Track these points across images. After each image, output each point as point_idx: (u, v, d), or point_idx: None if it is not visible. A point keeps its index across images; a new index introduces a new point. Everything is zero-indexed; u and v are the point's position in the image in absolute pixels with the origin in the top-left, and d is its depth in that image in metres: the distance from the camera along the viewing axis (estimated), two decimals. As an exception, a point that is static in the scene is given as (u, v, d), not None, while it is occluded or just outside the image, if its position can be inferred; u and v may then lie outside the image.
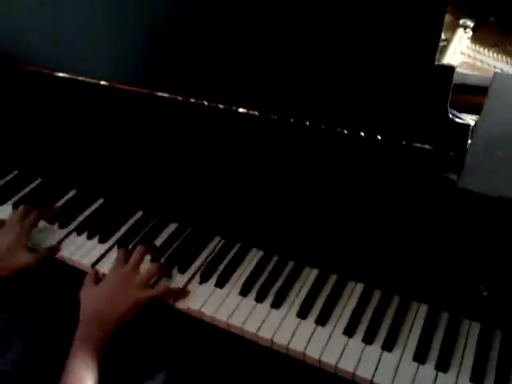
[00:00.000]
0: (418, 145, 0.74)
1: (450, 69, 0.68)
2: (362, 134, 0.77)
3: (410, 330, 0.83)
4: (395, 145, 0.75)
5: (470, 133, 0.71)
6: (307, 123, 0.80)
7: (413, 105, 0.72)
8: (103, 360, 0.82)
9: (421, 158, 0.74)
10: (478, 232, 0.73)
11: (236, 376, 0.90)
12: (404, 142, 0.75)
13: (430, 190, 0.74)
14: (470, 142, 0.72)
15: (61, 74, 1.01)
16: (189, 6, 0.81)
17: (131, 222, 1.05)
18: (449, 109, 0.71)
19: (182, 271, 0.94)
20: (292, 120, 0.82)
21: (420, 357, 0.78)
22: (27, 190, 1.16)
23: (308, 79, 0.77)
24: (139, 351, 0.98)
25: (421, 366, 0.78)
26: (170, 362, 0.97)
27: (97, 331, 0.82)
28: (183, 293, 0.90)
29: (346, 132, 0.78)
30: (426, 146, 0.74)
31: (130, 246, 0.99)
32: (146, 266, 0.92)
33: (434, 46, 0.68)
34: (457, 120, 0.71)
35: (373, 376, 0.76)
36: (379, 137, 0.76)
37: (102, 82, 0.96)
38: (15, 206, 1.07)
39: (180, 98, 0.90)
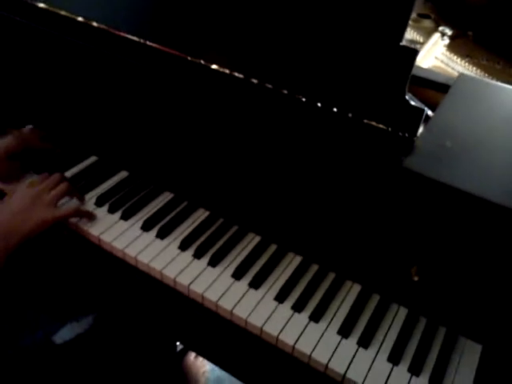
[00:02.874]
0: (372, 122, 0.75)
1: (413, 51, 0.70)
2: (319, 104, 0.78)
3: (340, 307, 0.84)
4: (349, 118, 0.77)
5: (423, 117, 0.73)
6: (271, 87, 0.81)
7: (373, 81, 0.73)
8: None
9: (373, 134, 0.75)
10: (416, 213, 0.75)
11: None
12: (360, 118, 0.76)
13: (377, 167, 0.75)
14: (422, 127, 0.74)
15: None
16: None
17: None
18: (407, 91, 0.72)
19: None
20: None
21: (345, 332, 0.80)
22: None
23: (278, 47, 0.78)
24: (67, 292, 0.97)
25: (344, 339, 0.79)
26: (99, 306, 0.96)
27: None
28: (91, 216, 0.91)
29: (303, 99, 0.79)
30: (380, 125, 0.75)
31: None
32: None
33: (402, 25, 0.70)
34: (412, 103, 0.72)
35: (296, 342, 0.77)
36: (335, 109, 0.78)
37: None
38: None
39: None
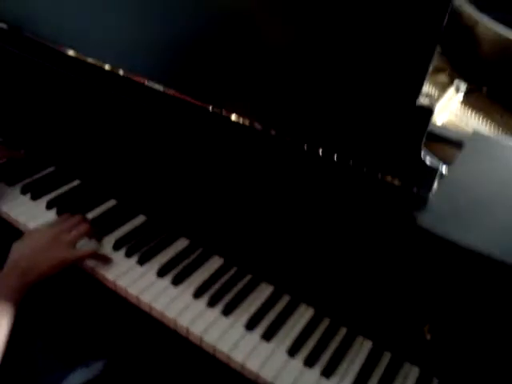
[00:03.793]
0: (387, 177, 0.77)
1: (429, 111, 0.72)
2: (336, 157, 0.80)
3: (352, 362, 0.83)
4: (364, 173, 0.78)
5: (438, 175, 0.74)
6: (289, 139, 0.83)
7: (389, 137, 0.75)
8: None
9: (387, 190, 0.77)
10: (429, 272, 0.75)
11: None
12: (374, 172, 0.78)
13: (391, 223, 0.76)
14: (437, 185, 0.75)
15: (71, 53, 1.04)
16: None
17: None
18: (422, 149, 0.74)
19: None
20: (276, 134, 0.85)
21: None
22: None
23: (298, 98, 0.81)
24: (78, 336, 0.97)
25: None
26: (109, 352, 0.96)
27: (14, 281, 0.82)
28: (107, 259, 0.92)
29: (320, 153, 0.81)
30: (396, 181, 0.77)
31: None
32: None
33: (418, 86, 0.72)
34: (427, 161, 0.74)
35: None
36: (351, 163, 0.79)
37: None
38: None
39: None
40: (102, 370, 0.96)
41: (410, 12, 0.70)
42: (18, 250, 0.88)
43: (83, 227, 0.93)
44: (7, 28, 1.14)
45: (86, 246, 0.95)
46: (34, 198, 1.06)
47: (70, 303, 0.99)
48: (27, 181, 1.10)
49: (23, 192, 1.07)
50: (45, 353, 0.97)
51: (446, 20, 0.68)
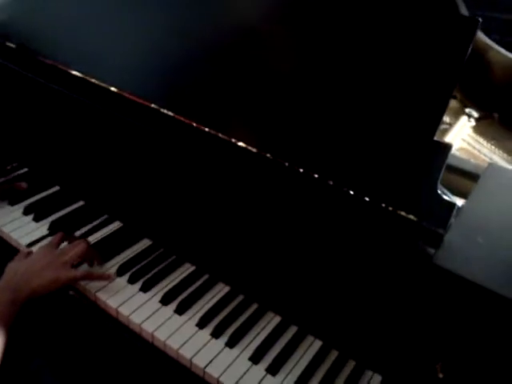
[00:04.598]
0: (403, 213, 0.75)
1: (447, 147, 0.70)
2: (352, 192, 0.78)
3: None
4: (382, 209, 0.76)
5: (454, 212, 0.72)
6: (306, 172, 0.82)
7: (407, 173, 0.73)
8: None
9: (404, 226, 0.75)
10: (444, 309, 0.73)
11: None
12: (391, 208, 0.76)
13: (406, 260, 0.74)
14: (453, 221, 0.73)
15: (75, 72, 1.03)
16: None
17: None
18: (439, 185, 0.72)
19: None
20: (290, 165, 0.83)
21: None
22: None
23: (321, 137, 0.80)
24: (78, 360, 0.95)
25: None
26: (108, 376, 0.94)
27: (7, 297, 0.82)
28: (105, 278, 0.91)
29: (335, 187, 0.79)
30: (411, 216, 0.74)
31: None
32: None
33: (435, 122, 0.70)
34: (444, 197, 0.72)
35: None
36: (368, 198, 0.77)
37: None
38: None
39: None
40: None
41: (431, 50, 0.68)
42: (12, 268, 0.87)
43: (81, 248, 0.91)
44: (15, 47, 1.13)
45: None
46: (37, 219, 1.04)
47: (70, 325, 0.96)
48: (30, 201, 1.08)
49: (26, 213, 1.05)
50: (44, 372, 0.95)
51: (466, 59, 0.66)
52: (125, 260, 0.96)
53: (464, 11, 1.11)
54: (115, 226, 1.05)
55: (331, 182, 0.79)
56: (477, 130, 1.20)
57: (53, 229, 1.02)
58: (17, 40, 1.13)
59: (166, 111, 0.94)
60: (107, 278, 0.91)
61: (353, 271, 0.80)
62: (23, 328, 0.85)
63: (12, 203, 1.07)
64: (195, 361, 0.81)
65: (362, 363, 0.85)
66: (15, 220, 1.03)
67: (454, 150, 1.09)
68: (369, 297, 0.80)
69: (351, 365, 0.86)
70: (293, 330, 0.89)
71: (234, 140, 0.87)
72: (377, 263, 0.77)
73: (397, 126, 0.72)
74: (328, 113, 0.78)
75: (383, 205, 0.76)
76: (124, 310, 0.87)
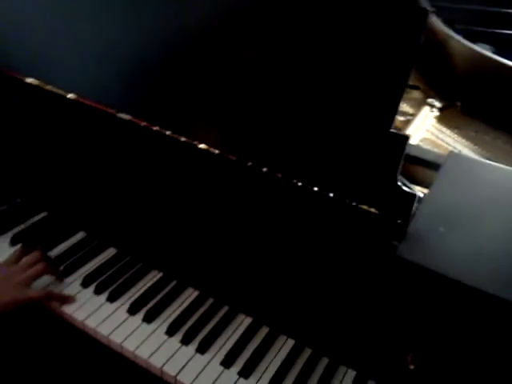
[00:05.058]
0: (364, 207, 0.74)
1: (404, 137, 0.70)
2: (315, 188, 0.78)
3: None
4: (343, 204, 0.76)
5: (415, 203, 0.72)
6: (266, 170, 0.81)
7: (364, 167, 0.73)
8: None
9: (366, 220, 0.74)
10: (411, 301, 0.73)
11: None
12: (352, 203, 0.75)
13: (370, 253, 0.73)
14: (415, 212, 0.73)
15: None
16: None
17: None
18: (398, 176, 0.72)
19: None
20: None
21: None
22: None
23: (278, 130, 0.79)
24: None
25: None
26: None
27: None
28: (67, 299, 0.88)
29: (299, 184, 0.78)
30: (372, 210, 0.74)
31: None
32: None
33: (391, 113, 0.70)
34: (404, 188, 0.72)
35: None
36: (331, 194, 0.77)
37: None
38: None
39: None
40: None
41: (385, 34, 0.68)
42: None
43: (40, 266, 0.88)
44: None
45: (50, 284, 0.90)
46: (-2, 233, 1.01)
47: (34, 342, 0.94)
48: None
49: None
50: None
51: (422, 42, 0.66)
52: (90, 270, 0.94)
53: (423, 2, 1.12)
54: (79, 236, 1.03)
55: (295, 181, 0.79)
56: (440, 119, 1.21)
57: (15, 242, 0.99)
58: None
59: (123, 116, 0.92)
60: (67, 299, 0.88)
61: (319, 267, 0.79)
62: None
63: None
64: (166, 369, 0.80)
65: (336, 359, 0.85)
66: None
67: (417, 141, 1.10)
68: (338, 292, 0.79)
69: (324, 362, 0.85)
70: (264, 330, 0.88)
71: (195, 142, 0.86)
72: (343, 258, 0.76)
73: (352, 118, 0.72)
74: (281, 107, 0.77)
75: (346, 200, 0.75)
76: (91, 322, 0.85)
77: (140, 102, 0.90)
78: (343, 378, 0.84)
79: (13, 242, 0.99)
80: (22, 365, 0.99)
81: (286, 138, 0.78)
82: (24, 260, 0.89)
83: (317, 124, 0.75)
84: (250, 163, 0.82)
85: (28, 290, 0.86)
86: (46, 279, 0.91)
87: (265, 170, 0.81)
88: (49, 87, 0.99)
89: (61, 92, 0.98)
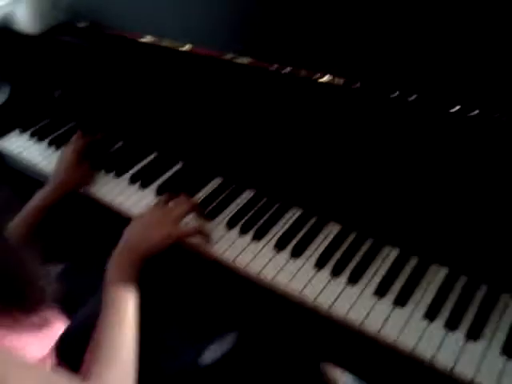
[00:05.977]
0: None
1: None
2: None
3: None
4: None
5: None
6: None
7: None
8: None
9: None
10: None
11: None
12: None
13: None
14: None
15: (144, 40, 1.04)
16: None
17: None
18: None
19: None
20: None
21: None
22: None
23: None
24: (211, 312, 0.98)
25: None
26: (240, 325, 0.96)
27: (127, 257, 0.85)
28: (211, 238, 0.92)
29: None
30: None
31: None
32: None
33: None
34: None
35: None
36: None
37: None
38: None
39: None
40: (234, 342, 0.97)
41: None
42: (128, 230, 0.90)
43: (188, 205, 0.93)
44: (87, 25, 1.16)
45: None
46: (144, 186, 1.07)
47: (197, 282, 0.99)
48: (134, 170, 1.12)
49: (132, 182, 1.09)
50: (179, 332, 0.99)
51: None
52: (233, 213, 0.97)
53: None
54: (216, 182, 1.06)
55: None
56: None
57: (160, 193, 1.05)
58: (86, 19, 1.16)
59: (240, 60, 0.91)
60: (211, 238, 0.93)
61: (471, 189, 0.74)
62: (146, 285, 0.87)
63: (118, 175, 1.12)
64: (319, 302, 0.81)
65: (496, 287, 0.80)
66: (124, 190, 1.08)
67: None
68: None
69: (483, 290, 0.80)
70: (414, 261, 0.86)
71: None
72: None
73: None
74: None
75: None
76: (240, 261, 0.88)
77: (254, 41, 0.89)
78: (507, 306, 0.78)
79: (158, 194, 1.05)
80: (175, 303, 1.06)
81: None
82: (172, 202, 0.94)
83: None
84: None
85: (182, 227, 0.91)
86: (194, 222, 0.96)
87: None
88: (165, 43, 1.02)
89: (173, 45, 1.00)
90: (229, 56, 0.95)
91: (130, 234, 0.89)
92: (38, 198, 1.04)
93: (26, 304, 0.61)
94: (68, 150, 1.13)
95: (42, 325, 0.63)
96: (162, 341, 0.98)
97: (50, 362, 0.69)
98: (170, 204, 0.94)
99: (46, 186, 1.07)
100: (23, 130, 1.31)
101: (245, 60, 0.94)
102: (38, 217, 1.02)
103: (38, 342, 0.64)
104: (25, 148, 1.26)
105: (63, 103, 1.31)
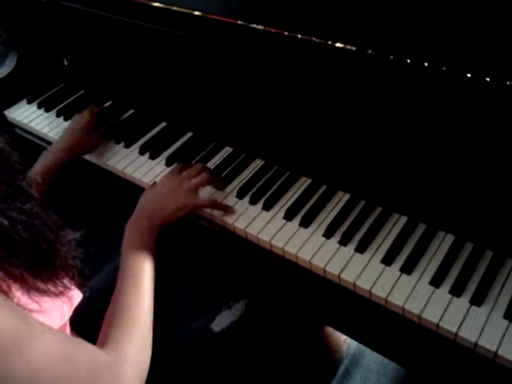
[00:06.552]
0: None
1: None
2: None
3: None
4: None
5: None
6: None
7: None
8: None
9: None
10: None
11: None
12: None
13: None
14: None
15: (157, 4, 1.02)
16: None
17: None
18: None
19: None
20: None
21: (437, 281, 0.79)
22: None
23: None
24: (222, 281, 1.01)
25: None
26: (249, 294, 0.99)
27: (144, 223, 0.86)
28: (230, 209, 0.93)
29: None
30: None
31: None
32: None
33: None
34: None
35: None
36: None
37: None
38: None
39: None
40: (244, 310, 1.00)
41: None
42: (144, 198, 0.91)
43: (204, 174, 0.93)
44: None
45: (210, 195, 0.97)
46: (153, 157, 1.09)
47: (207, 251, 1.01)
48: (143, 140, 1.13)
49: (141, 152, 1.10)
50: (189, 300, 1.02)
51: None
52: (242, 183, 0.99)
53: None
54: (226, 151, 1.07)
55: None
56: None
57: (169, 163, 1.06)
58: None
59: (254, 25, 0.90)
60: (229, 208, 0.93)
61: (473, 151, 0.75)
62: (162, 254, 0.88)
63: (127, 145, 1.13)
64: (328, 269, 0.83)
65: (501, 252, 0.82)
66: (134, 161, 1.09)
67: None
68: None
69: (488, 256, 0.82)
70: (421, 228, 0.87)
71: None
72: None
73: None
74: None
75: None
76: (252, 230, 0.90)
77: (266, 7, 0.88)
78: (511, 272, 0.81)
79: (168, 164, 1.07)
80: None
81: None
82: (187, 171, 0.94)
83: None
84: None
85: (196, 196, 0.92)
86: (207, 191, 0.97)
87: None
88: (176, 7, 1.00)
89: (185, 10, 0.98)
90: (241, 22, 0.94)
91: (145, 202, 0.90)
92: (44, 159, 1.05)
93: (50, 267, 0.61)
94: (81, 118, 1.13)
95: (61, 292, 0.63)
96: (172, 309, 1.00)
97: (68, 332, 0.70)
98: (185, 173, 0.94)
99: (52, 147, 1.08)
100: (31, 100, 1.31)
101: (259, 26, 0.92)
102: (46, 179, 1.02)
103: (57, 309, 0.64)
104: (33, 118, 1.26)
105: (72, 70, 1.31)
